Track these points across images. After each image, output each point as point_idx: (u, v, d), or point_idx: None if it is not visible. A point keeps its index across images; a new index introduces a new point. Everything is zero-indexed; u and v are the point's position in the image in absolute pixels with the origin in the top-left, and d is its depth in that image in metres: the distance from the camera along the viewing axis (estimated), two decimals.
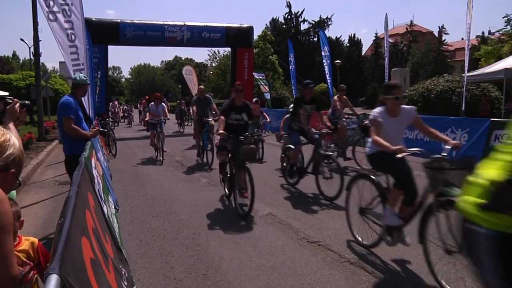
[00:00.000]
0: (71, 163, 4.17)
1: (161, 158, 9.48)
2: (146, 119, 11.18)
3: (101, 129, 4.83)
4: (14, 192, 2.47)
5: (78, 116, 4.39)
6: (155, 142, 9.99)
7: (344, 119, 8.66)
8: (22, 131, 13.48)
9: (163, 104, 10.35)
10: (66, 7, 6.52)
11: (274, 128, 11.38)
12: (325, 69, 17.41)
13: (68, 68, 6.54)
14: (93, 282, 1.53)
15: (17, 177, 1.69)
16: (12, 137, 1.66)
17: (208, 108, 9.39)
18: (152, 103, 10.41)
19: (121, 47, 20.55)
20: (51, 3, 6.32)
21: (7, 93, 3.33)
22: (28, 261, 1.97)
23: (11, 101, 2.22)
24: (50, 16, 6.32)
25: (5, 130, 1.69)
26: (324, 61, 17.86)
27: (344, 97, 8.87)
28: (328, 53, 17.35)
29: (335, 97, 8.98)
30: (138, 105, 31.70)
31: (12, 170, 1.63)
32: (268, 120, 10.84)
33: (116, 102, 25.54)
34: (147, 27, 17.81)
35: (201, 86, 10.70)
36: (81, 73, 5.67)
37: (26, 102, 2.36)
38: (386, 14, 16.46)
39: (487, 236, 1.63)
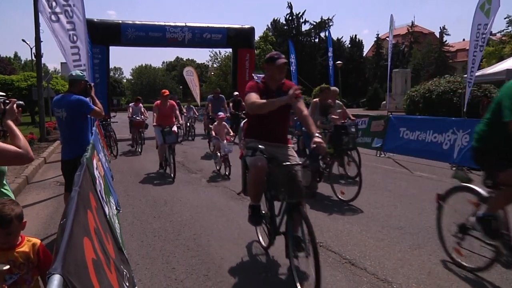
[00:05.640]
0: (70, 167, 3.94)
1: None
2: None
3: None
4: (10, 192, 2.49)
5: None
6: None
7: None
8: (23, 131, 13.49)
9: None
10: (68, 8, 6.54)
11: None
12: (330, 70, 17.52)
13: (69, 69, 6.54)
14: (95, 283, 1.53)
15: None
16: None
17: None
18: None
19: (123, 48, 20.57)
20: (54, 4, 6.34)
21: (3, 94, 3.41)
22: (25, 263, 1.98)
23: (8, 102, 2.40)
24: (52, 17, 6.34)
25: None
26: (329, 61, 17.97)
27: None
28: (331, 54, 17.46)
29: None
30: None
31: None
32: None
33: (140, 105, 12.59)
34: (148, 28, 17.83)
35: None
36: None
37: (21, 102, 2.51)
38: (392, 15, 16.52)
39: None
